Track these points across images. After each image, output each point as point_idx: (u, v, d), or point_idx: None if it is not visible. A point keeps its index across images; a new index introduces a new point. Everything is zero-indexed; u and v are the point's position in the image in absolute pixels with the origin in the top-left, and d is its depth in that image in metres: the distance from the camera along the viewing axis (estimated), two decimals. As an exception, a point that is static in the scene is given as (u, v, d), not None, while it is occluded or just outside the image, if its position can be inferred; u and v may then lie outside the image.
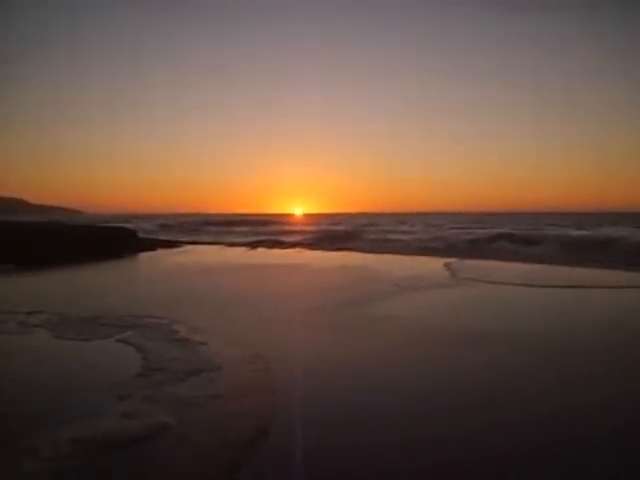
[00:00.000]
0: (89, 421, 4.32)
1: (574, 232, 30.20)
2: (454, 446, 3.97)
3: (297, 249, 27.77)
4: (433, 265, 18.03)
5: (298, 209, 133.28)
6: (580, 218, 62.23)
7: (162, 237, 33.38)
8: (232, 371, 5.73)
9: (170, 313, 8.85)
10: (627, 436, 4.19)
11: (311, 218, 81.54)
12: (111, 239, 24.24)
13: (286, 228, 46.82)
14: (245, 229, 45.71)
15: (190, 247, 28.97)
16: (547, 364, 6.16)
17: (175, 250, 26.95)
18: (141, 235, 28.86)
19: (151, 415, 4.44)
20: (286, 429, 4.29)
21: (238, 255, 24.55)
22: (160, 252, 25.29)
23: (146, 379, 5.39)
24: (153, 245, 27.04)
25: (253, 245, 29.96)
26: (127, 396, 4.91)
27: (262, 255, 24.95)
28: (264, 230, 44.16)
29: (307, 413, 4.60)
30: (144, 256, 23.21)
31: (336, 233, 36.53)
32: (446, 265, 17.10)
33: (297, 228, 47.18)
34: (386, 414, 4.61)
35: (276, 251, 26.66)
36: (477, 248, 25.05)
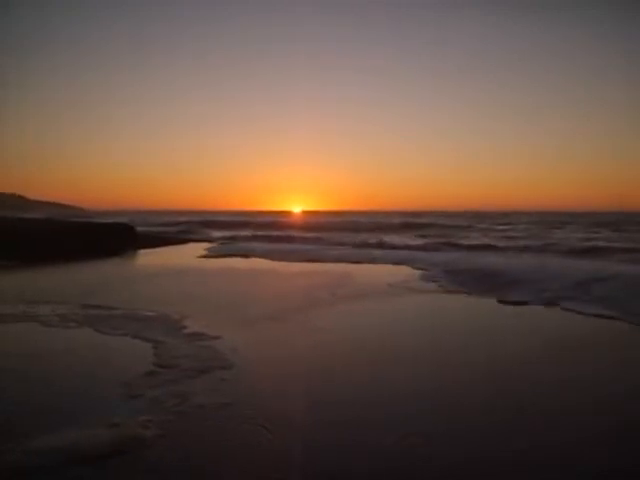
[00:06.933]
0: (78, 427, 4.10)
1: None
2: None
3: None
4: (400, 271, 16.11)
5: (297, 207, 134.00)
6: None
7: (162, 235, 33.58)
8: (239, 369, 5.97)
9: (180, 309, 9.10)
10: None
11: (312, 216, 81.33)
12: (111, 235, 24.51)
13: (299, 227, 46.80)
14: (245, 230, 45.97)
15: (191, 244, 29.19)
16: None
17: (176, 247, 27.21)
18: (140, 231, 29.07)
19: (140, 424, 4.18)
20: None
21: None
22: (161, 249, 25.52)
23: (157, 377, 5.48)
24: (153, 242, 27.18)
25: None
26: (138, 396, 4.90)
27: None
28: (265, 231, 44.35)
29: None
30: (145, 252, 23.43)
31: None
32: (410, 272, 15.49)
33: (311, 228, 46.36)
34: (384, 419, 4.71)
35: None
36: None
